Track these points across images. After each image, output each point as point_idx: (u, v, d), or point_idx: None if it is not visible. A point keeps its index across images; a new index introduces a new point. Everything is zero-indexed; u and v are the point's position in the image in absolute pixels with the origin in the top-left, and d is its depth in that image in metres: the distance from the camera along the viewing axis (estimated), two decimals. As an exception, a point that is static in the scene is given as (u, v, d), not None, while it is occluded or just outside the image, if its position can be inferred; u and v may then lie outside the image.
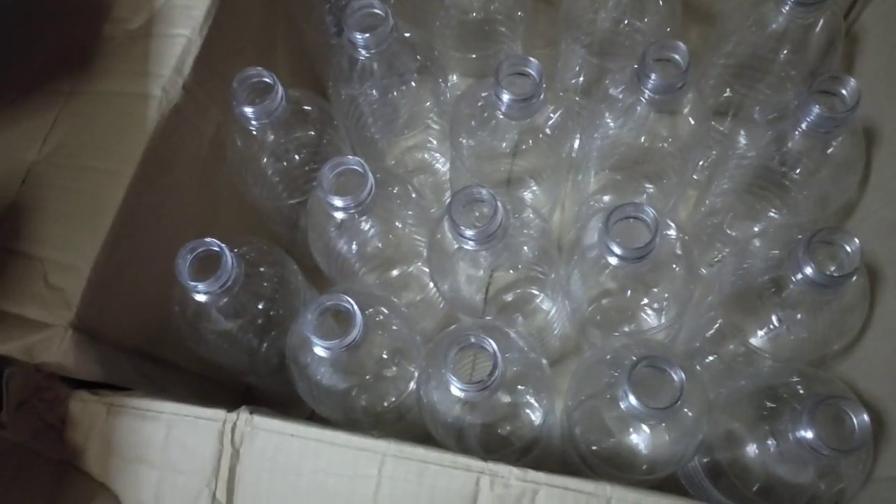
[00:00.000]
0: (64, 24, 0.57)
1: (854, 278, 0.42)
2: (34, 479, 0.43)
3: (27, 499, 0.43)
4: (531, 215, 0.51)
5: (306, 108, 0.54)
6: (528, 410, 0.52)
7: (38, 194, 0.50)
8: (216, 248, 0.46)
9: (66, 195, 0.49)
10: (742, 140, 0.54)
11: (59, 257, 0.47)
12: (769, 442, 0.46)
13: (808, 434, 0.39)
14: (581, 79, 0.64)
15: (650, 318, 0.55)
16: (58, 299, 0.46)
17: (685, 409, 0.43)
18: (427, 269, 0.60)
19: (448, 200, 0.69)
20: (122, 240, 0.48)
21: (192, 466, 0.43)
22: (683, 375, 0.40)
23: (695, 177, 0.65)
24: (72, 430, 0.44)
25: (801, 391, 0.45)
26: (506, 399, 0.51)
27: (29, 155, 0.51)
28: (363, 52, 0.51)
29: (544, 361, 0.49)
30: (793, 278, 0.44)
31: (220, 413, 0.43)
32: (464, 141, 0.55)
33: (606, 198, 0.63)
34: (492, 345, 0.43)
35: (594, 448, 0.49)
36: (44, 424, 0.44)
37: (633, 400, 0.40)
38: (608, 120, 0.53)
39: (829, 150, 0.49)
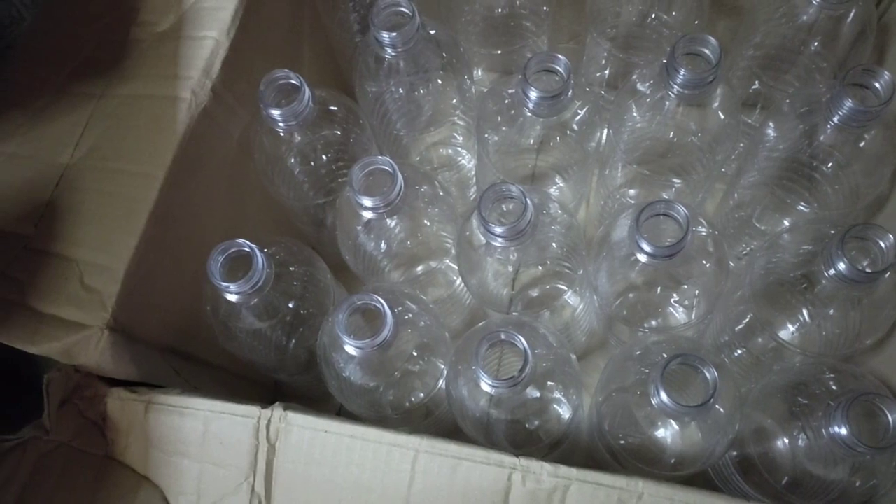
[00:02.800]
0: (93, 28, 0.57)
1: (888, 274, 0.42)
2: (79, 475, 0.44)
3: (74, 495, 0.44)
4: (559, 211, 0.51)
5: (333, 107, 0.54)
6: (556, 406, 0.52)
7: (72, 197, 0.51)
8: (247, 249, 0.46)
9: (100, 197, 0.50)
10: (771, 133, 0.53)
11: (94, 258, 0.48)
12: (801, 438, 0.45)
13: (843, 430, 0.39)
14: (607, 72, 0.64)
15: (679, 314, 0.54)
16: (94, 300, 0.47)
17: (717, 407, 0.43)
18: (453, 266, 0.60)
19: (473, 196, 0.70)
20: (155, 241, 0.49)
21: (230, 460, 0.44)
22: (716, 374, 0.40)
23: (722, 169, 0.64)
24: (112, 426, 0.45)
25: (835, 387, 0.44)
26: (535, 395, 0.51)
27: (62, 158, 0.52)
28: (389, 50, 0.51)
29: (573, 356, 0.50)
30: (825, 274, 0.43)
31: (254, 410, 0.44)
32: (489, 137, 0.55)
33: (632, 192, 0.63)
34: (522, 341, 0.43)
35: (623, 443, 0.50)
36: (85, 422, 0.45)
37: (664, 397, 0.40)
38: (636, 114, 0.53)
39: (861, 144, 0.48)
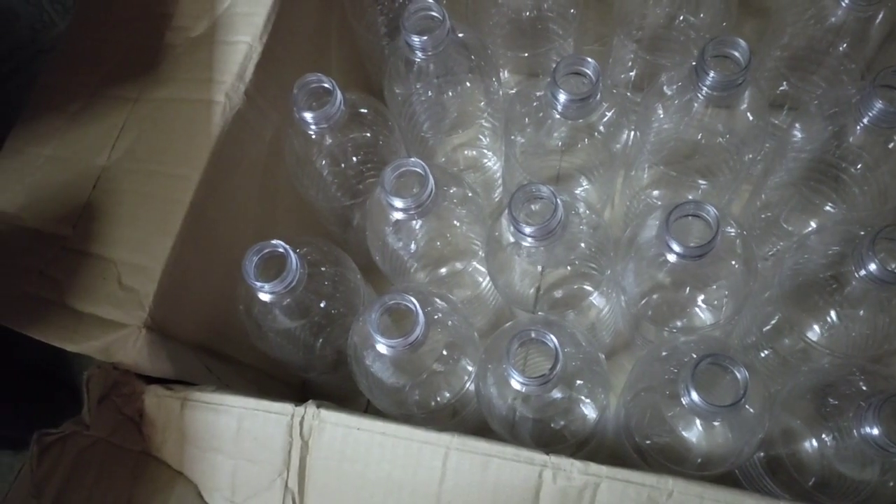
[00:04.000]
0: (126, 33, 0.59)
1: (919, 275, 0.42)
2: (117, 470, 0.45)
3: (112, 489, 0.45)
4: (587, 211, 0.51)
5: (363, 110, 0.55)
6: (583, 406, 0.53)
7: (109, 198, 0.52)
8: (281, 250, 0.47)
9: (137, 198, 0.51)
10: (799, 133, 0.53)
11: (132, 259, 0.49)
12: (831, 438, 0.46)
13: (875, 431, 0.39)
14: (633, 74, 0.64)
15: (706, 315, 0.55)
16: (132, 300, 0.48)
17: (747, 407, 0.43)
18: (479, 268, 0.61)
19: (498, 198, 0.71)
20: (190, 241, 0.50)
21: (264, 457, 0.44)
22: (747, 374, 0.40)
23: (748, 170, 0.64)
24: (149, 423, 0.46)
25: (865, 388, 0.44)
26: (563, 394, 0.51)
27: (99, 160, 0.53)
28: (420, 54, 0.52)
29: (601, 356, 0.50)
30: (855, 275, 0.43)
31: (288, 407, 0.45)
32: (515, 138, 0.56)
33: (657, 192, 0.63)
34: (553, 340, 0.44)
35: (650, 442, 0.50)
36: (123, 418, 0.46)
37: (695, 397, 0.41)
38: (663, 115, 0.53)
39: (891, 146, 0.48)
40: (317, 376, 0.62)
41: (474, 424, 0.56)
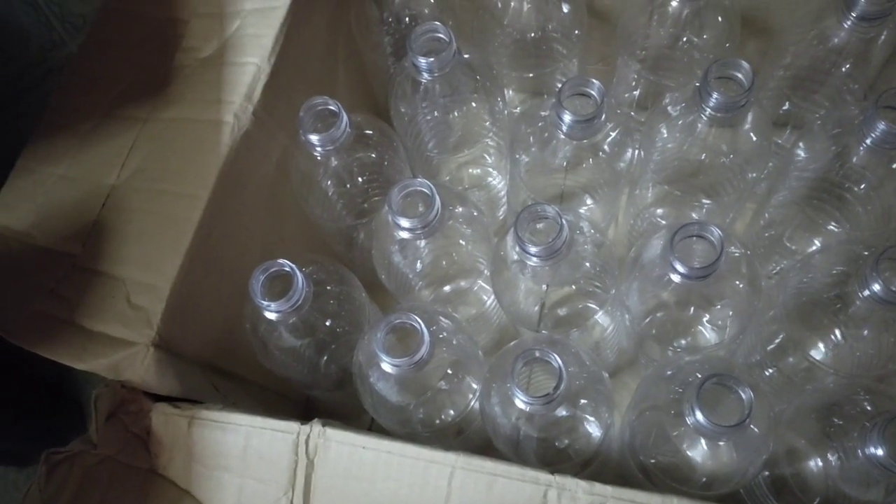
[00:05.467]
0: (137, 54, 0.60)
1: (923, 296, 0.42)
2: (124, 489, 0.45)
3: (119, 508, 0.45)
4: (592, 231, 0.52)
5: (368, 131, 0.56)
6: (587, 425, 0.53)
7: (118, 217, 0.53)
8: (287, 269, 0.48)
9: (146, 217, 0.52)
10: (802, 153, 0.54)
11: (141, 277, 0.50)
12: (835, 458, 0.46)
13: (880, 451, 0.39)
14: (637, 94, 0.65)
15: (710, 334, 0.55)
16: (140, 318, 0.48)
17: (752, 427, 0.43)
18: (484, 286, 0.61)
19: (502, 216, 0.71)
20: (198, 260, 0.51)
21: (270, 475, 0.45)
22: (752, 394, 0.41)
23: (753, 189, 0.65)
24: (156, 441, 0.47)
25: (869, 408, 0.44)
26: (567, 413, 0.51)
27: (109, 179, 0.54)
28: (426, 75, 0.53)
29: (605, 375, 0.50)
30: (859, 295, 0.43)
31: (293, 426, 0.45)
32: (520, 157, 0.56)
33: (661, 211, 0.63)
34: (556, 359, 0.44)
35: (655, 461, 0.50)
36: (131, 436, 0.46)
37: (700, 417, 0.41)
38: (667, 135, 0.54)
39: (894, 166, 0.49)
40: (321, 394, 0.62)
41: (479, 443, 0.56)
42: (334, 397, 0.62)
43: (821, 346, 0.52)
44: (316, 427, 0.45)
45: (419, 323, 0.45)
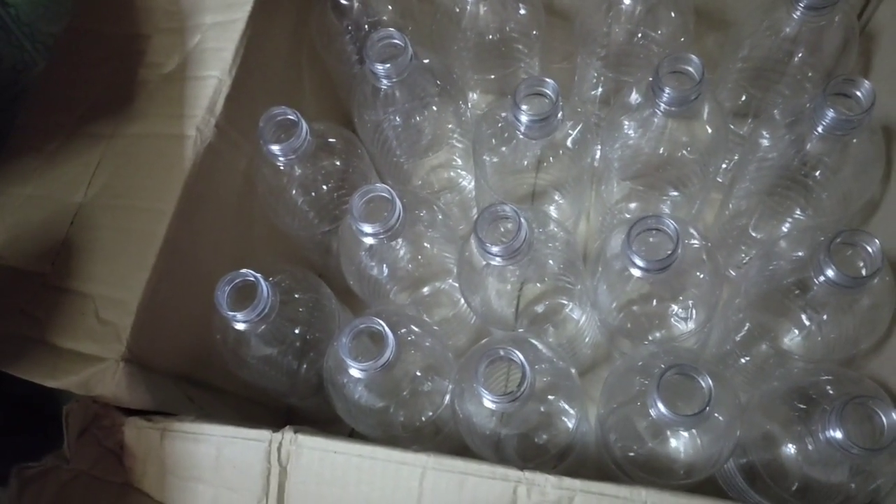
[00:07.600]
0: (101, 72, 0.60)
1: (877, 279, 0.43)
2: (99, 503, 0.46)
3: (92, 523, 0.45)
4: (555, 228, 0.52)
5: (331, 139, 0.56)
6: (561, 418, 0.53)
7: (87, 234, 0.53)
8: (252, 279, 0.48)
9: (113, 234, 0.52)
10: (762, 142, 0.54)
11: (109, 293, 0.50)
12: (802, 443, 0.46)
13: (838, 434, 0.40)
14: (599, 91, 0.66)
15: (678, 325, 0.55)
16: (109, 333, 0.49)
17: (716, 414, 0.43)
18: (456, 286, 0.62)
19: (475, 216, 0.72)
20: (166, 273, 0.51)
21: (243, 484, 0.45)
22: (711, 382, 0.41)
23: (719, 179, 0.66)
24: (129, 454, 0.47)
25: (831, 391, 0.45)
26: (538, 408, 0.52)
27: (76, 197, 0.54)
28: (385, 81, 0.53)
29: (573, 370, 0.51)
30: (815, 280, 0.44)
31: (265, 434, 0.45)
32: (487, 159, 0.57)
33: (632, 205, 0.64)
34: (520, 357, 0.45)
35: (629, 454, 0.50)
36: (104, 450, 0.47)
37: (662, 408, 0.41)
38: (627, 131, 0.54)
39: (848, 151, 0.49)
40: (298, 401, 0.62)
41: (458, 442, 0.57)
42: (313, 403, 0.63)
43: (786, 332, 0.53)
44: (288, 434, 0.45)
45: (383, 326, 0.46)
